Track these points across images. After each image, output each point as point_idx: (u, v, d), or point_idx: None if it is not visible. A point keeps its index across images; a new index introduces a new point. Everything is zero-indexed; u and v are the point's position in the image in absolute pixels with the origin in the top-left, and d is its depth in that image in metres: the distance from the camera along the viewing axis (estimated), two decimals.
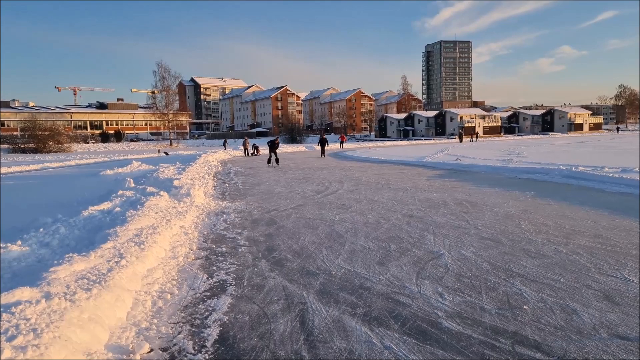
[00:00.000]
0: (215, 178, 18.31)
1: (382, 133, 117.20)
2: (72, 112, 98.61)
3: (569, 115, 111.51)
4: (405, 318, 3.85)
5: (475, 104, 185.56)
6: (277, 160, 24.40)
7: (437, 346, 3.34)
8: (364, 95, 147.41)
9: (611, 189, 11.00)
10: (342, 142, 52.52)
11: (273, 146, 24.52)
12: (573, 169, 14.39)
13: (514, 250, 5.84)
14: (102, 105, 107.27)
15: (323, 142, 34.67)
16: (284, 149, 44.89)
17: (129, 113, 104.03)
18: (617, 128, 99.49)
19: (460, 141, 61.14)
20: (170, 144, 79.61)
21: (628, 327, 3.53)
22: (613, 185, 11.58)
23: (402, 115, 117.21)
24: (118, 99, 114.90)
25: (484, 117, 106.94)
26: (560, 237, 6.43)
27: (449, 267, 5.18)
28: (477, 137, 63.05)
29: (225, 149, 51.37)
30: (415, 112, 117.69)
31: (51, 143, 64.30)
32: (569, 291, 4.33)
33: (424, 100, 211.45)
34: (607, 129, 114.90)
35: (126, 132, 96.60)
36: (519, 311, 3.91)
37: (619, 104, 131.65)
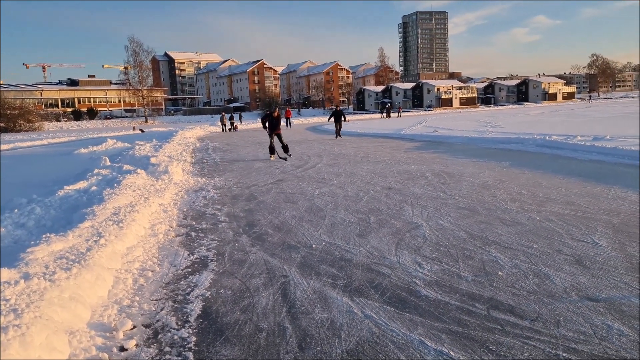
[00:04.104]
0: (193, 154, 18.13)
1: (360, 106, 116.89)
2: (42, 90, 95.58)
3: (543, 85, 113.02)
4: (385, 288, 3.94)
5: (452, 75, 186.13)
6: (284, 148, 14.64)
7: (416, 313, 3.44)
8: (342, 68, 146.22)
9: (583, 157, 11.29)
10: (288, 119, 39.18)
11: (273, 124, 14.72)
12: (547, 138, 14.67)
13: (490, 219, 5.97)
14: (73, 82, 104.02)
15: (338, 116, 23.20)
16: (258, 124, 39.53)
17: (102, 90, 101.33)
18: (590, 97, 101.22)
19: (388, 117, 56.81)
20: (146, 121, 78.13)
21: (597, 289, 3.68)
22: (585, 153, 11.88)
23: (380, 88, 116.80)
24: (89, 76, 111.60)
25: (460, 88, 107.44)
26: (534, 205, 6.60)
27: (427, 237, 5.28)
28: (399, 113, 63.47)
29: (234, 121, 42.57)
30: (392, 84, 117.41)
31: (21, 122, 62.89)
32: (541, 257, 4.48)
33: (402, 73, 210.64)
34: (580, 98, 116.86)
35: (99, 109, 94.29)
36: (494, 277, 4.03)
37: (592, 72, 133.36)
